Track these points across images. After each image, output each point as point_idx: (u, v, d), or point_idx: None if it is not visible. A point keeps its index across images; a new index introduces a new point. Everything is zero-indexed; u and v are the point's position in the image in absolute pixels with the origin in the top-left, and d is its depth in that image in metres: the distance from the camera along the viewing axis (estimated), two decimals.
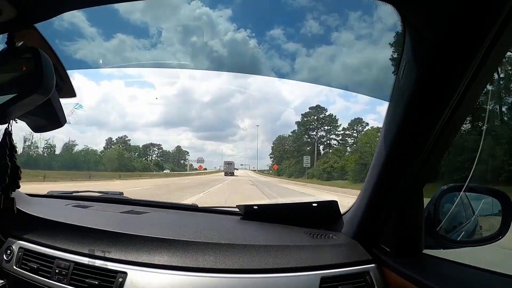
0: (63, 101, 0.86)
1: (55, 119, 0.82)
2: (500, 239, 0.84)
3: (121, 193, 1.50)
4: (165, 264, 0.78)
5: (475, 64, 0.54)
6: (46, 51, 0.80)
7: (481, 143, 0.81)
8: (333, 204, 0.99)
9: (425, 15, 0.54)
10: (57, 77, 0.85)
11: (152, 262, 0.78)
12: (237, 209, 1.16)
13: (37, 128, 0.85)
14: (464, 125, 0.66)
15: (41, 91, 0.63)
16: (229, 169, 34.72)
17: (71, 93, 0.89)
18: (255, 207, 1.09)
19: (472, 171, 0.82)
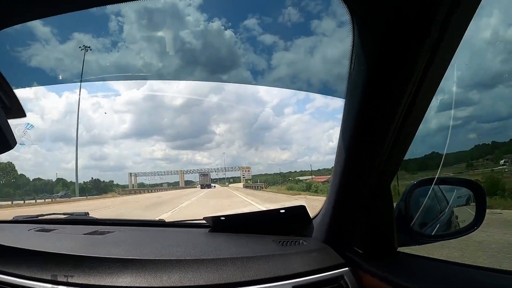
0: (12, 121, 0.82)
1: (4, 142, 0.78)
2: (475, 229, 0.83)
3: (87, 214, 1.46)
4: (128, 285, 0.74)
5: (428, 51, 0.51)
6: None
7: (449, 133, 0.78)
8: (302, 209, 0.96)
9: (371, 4, 0.52)
10: (4, 98, 0.81)
11: (115, 285, 0.74)
12: (205, 222, 1.12)
13: None
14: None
15: None
16: (205, 181, 32.58)
17: (20, 113, 0.85)
18: (223, 218, 1.05)
19: (441, 162, 0.80)
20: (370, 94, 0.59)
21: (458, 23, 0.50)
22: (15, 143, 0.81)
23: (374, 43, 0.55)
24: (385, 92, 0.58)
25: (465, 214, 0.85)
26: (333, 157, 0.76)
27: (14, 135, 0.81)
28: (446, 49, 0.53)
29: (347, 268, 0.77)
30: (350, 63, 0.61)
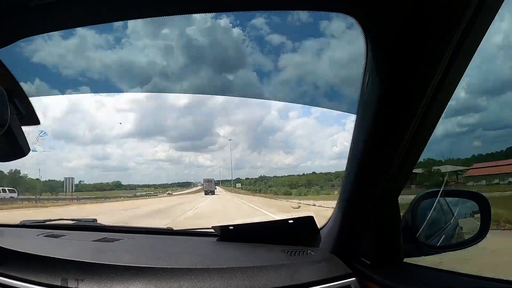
0: (26, 128, 0.83)
1: (18, 149, 0.79)
2: (480, 241, 0.84)
3: (95, 220, 1.47)
4: None
5: (440, 72, 0.53)
6: (5, 79, 0.77)
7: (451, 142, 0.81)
8: (309, 220, 0.97)
9: (385, 26, 0.54)
10: (19, 105, 0.82)
11: None
12: (213, 230, 1.13)
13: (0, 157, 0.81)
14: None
15: None
16: (209, 187, 32.48)
17: (34, 120, 0.86)
18: (231, 228, 1.07)
19: (446, 176, 0.81)
20: (381, 113, 0.61)
21: (474, 37, 0.52)
22: (29, 150, 0.82)
23: (386, 63, 0.57)
24: (396, 111, 0.60)
25: (470, 226, 0.86)
26: (337, 162, 0.77)
27: (28, 142, 0.83)
28: (460, 62, 0.55)
29: (354, 278, 0.78)
30: (362, 82, 0.63)
